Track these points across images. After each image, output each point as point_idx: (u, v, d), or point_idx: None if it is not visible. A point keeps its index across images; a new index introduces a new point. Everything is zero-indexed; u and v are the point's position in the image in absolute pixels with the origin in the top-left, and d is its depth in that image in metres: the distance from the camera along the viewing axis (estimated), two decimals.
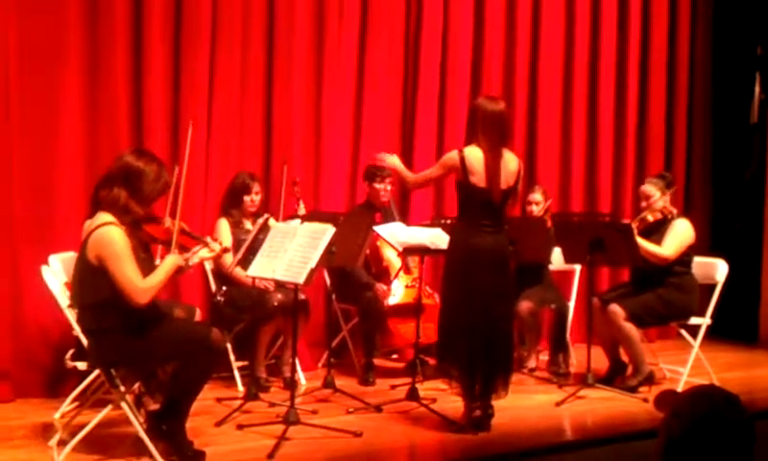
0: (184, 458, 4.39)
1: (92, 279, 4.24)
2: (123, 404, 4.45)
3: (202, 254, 4.66)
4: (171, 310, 4.88)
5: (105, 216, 4.30)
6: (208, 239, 4.69)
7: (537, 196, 6.79)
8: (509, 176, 5.05)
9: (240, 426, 5.05)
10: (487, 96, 5.46)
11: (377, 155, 5.58)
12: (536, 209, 6.74)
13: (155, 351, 4.39)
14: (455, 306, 5.07)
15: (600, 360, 6.32)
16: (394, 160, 5.41)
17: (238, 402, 5.41)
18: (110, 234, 4.22)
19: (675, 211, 6.29)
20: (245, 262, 5.31)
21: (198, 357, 4.38)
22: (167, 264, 4.36)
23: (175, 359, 4.45)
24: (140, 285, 4.21)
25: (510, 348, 5.24)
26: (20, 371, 5.61)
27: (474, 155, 4.97)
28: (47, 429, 4.88)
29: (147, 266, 4.39)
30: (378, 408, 5.51)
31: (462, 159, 4.97)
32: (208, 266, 6.13)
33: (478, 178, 4.96)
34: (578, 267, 6.91)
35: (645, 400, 5.74)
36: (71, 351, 4.84)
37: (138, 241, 4.41)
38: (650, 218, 6.16)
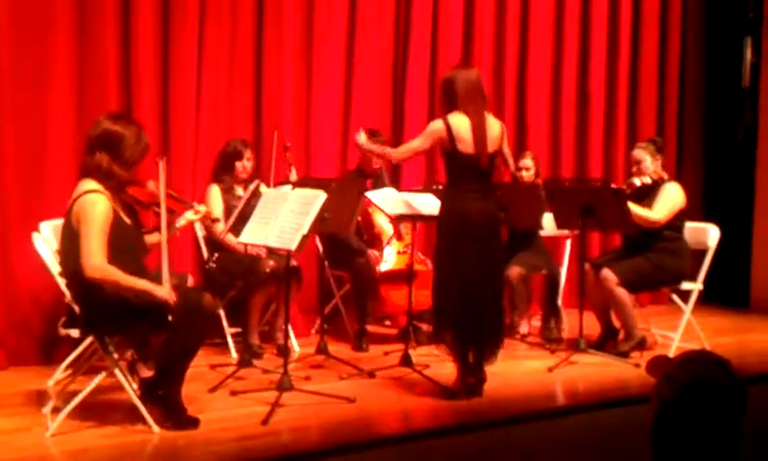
0: (179, 424, 4.40)
1: (79, 246, 4.21)
2: (116, 371, 4.45)
3: (187, 216, 4.69)
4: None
5: (89, 183, 4.29)
6: (194, 204, 4.70)
7: (527, 162, 6.77)
8: (494, 140, 5.06)
9: (234, 393, 5.06)
10: (458, 66, 5.53)
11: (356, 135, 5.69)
12: (526, 175, 6.73)
13: (147, 318, 4.39)
14: (447, 273, 5.08)
15: (592, 325, 6.32)
16: (361, 138, 5.53)
17: (231, 369, 5.42)
18: (93, 200, 4.21)
19: (666, 176, 6.28)
20: (236, 229, 5.31)
21: (191, 323, 4.38)
22: (148, 285, 4.27)
23: (167, 325, 4.45)
24: (96, 260, 4.16)
25: (500, 313, 5.26)
26: (13, 338, 5.61)
27: (460, 122, 4.96)
28: (41, 397, 4.87)
29: (131, 234, 4.40)
30: (371, 374, 5.53)
31: (448, 128, 4.96)
32: (200, 233, 6.12)
33: (465, 144, 4.95)
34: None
35: (637, 366, 5.75)
36: (63, 319, 4.84)
37: (123, 204, 4.41)
38: (637, 183, 6.13)
